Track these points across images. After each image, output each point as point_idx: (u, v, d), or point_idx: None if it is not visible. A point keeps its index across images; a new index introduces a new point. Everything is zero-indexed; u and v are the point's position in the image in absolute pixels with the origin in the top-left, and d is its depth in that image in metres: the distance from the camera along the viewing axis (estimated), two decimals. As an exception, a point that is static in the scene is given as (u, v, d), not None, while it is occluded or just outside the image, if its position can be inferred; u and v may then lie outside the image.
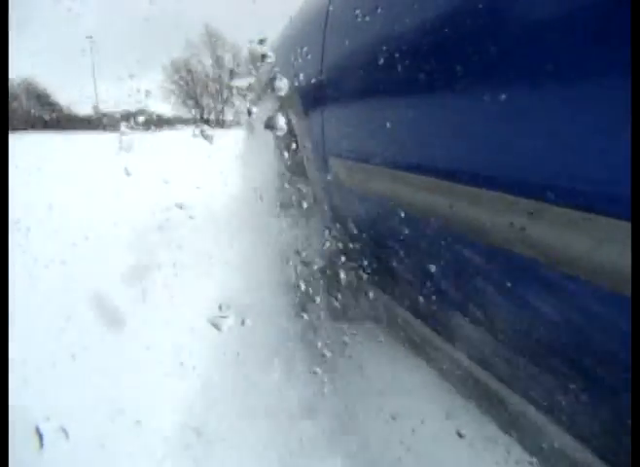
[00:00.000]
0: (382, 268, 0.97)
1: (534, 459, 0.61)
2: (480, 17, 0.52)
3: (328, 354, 1.07)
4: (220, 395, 1.00)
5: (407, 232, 0.77)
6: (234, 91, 1.11)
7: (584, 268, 0.42)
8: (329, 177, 1.08)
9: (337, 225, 1.13)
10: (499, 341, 0.61)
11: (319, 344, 1.10)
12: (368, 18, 0.80)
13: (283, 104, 1.33)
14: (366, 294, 1.06)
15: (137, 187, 2.26)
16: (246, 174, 1.72)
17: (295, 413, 0.94)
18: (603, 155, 0.40)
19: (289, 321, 1.18)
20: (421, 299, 0.77)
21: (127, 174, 1.59)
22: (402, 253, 0.82)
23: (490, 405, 0.70)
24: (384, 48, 0.73)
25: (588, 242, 0.41)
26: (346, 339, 1.13)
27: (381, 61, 0.75)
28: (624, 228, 0.37)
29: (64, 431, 0.81)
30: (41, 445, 0.78)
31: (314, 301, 1.19)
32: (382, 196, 0.84)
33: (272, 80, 0.98)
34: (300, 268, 1.23)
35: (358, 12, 0.84)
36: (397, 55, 0.70)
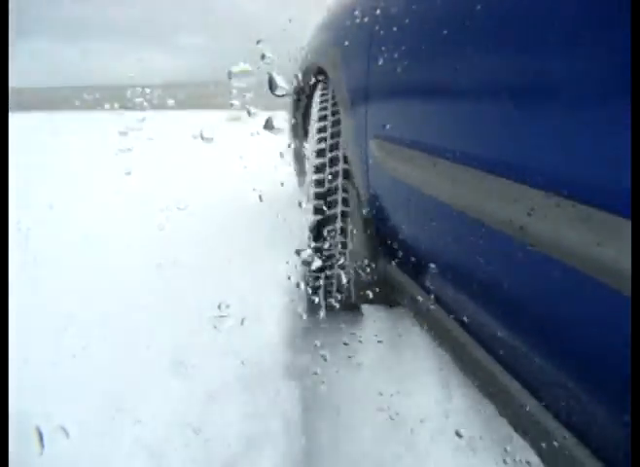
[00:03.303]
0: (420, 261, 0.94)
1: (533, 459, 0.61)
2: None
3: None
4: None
5: (447, 226, 0.75)
6: (235, 92, 1.10)
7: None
8: (370, 160, 1.04)
9: (378, 213, 1.10)
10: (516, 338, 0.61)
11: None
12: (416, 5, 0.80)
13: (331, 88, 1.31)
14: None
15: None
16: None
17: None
18: None
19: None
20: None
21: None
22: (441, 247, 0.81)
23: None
24: (436, 32, 0.73)
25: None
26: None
27: (431, 47, 0.75)
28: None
29: (64, 430, 0.81)
30: (41, 444, 0.78)
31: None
32: (421, 185, 0.82)
33: (271, 79, 0.98)
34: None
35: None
36: (449, 42, 0.69)
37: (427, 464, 0.86)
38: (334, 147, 1.26)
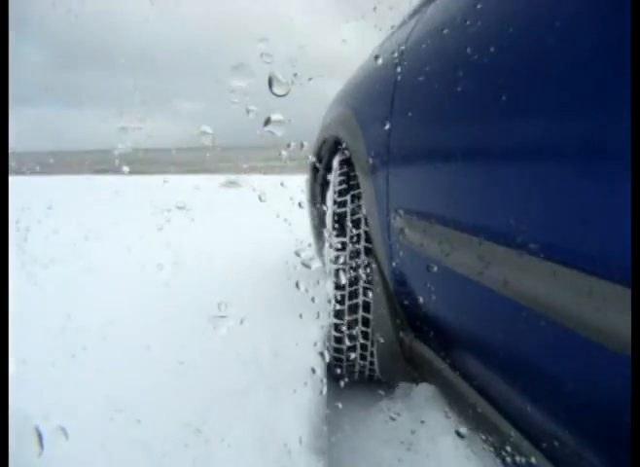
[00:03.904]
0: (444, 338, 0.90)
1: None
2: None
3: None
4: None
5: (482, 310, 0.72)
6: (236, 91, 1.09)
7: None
8: (392, 234, 1.00)
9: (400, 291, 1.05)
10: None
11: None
12: (439, 77, 0.78)
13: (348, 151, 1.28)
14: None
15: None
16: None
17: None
18: None
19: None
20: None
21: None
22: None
23: None
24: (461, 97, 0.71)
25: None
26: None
27: (453, 117, 0.73)
28: None
29: (63, 431, 0.81)
30: (40, 445, 0.78)
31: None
32: (443, 259, 0.78)
33: (270, 80, 0.96)
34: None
35: (429, 67, 0.81)
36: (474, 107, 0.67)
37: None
38: (355, 223, 1.23)
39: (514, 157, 0.60)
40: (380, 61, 1.13)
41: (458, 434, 0.88)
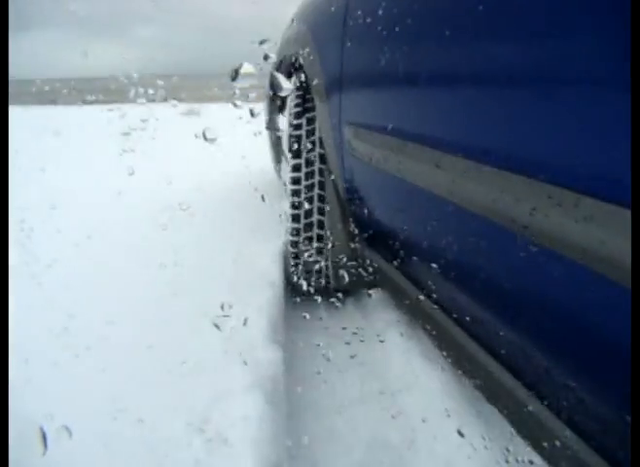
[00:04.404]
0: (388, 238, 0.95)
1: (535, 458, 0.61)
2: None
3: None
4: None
5: (420, 210, 0.76)
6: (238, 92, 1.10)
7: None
8: (344, 146, 1.05)
9: (351, 198, 1.11)
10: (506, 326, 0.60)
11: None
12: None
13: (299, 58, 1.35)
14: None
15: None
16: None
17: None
18: None
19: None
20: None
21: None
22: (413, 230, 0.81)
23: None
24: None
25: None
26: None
27: (404, 29, 0.75)
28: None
29: (67, 430, 0.81)
30: (44, 444, 0.78)
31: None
32: (392, 170, 0.82)
33: (272, 80, 0.99)
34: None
35: None
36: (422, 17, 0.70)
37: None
38: (309, 133, 1.30)
39: (457, 66, 0.62)
40: None
41: (459, 433, 0.88)
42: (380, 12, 0.85)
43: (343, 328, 1.26)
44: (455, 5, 0.62)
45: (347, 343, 1.20)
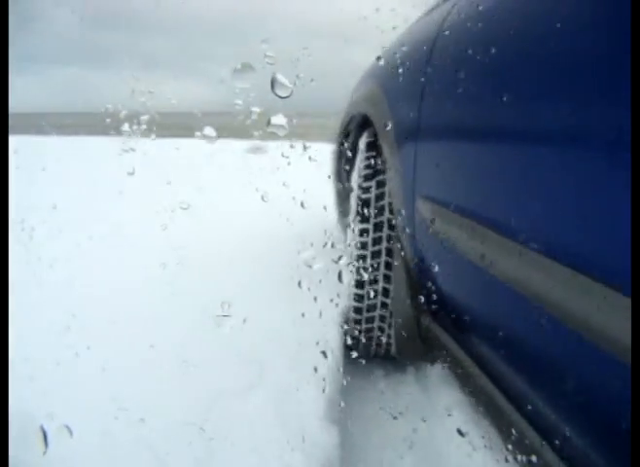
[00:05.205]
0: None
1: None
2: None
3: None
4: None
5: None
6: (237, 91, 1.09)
7: None
8: (416, 219, 0.99)
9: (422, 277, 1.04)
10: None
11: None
12: (478, 64, 0.74)
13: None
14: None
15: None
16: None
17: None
18: None
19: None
20: None
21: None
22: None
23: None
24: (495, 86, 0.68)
25: None
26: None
27: (491, 97, 0.69)
28: None
29: (68, 429, 0.81)
30: (45, 443, 0.78)
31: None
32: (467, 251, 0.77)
33: (273, 81, 0.96)
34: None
35: (467, 52, 0.78)
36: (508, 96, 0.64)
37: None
38: (378, 198, 1.25)
39: (536, 158, 0.58)
40: (413, 41, 1.11)
41: (459, 433, 0.88)
42: (468, 77, 0.76)
43: (405, 407, 1.16)
44: (553, 76, 0.55)
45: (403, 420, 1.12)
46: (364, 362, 1.24)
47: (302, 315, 1.16)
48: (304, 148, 1.07)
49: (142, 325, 1.29)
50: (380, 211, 1.24)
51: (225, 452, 0.88)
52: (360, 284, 1.23)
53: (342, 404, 1.05)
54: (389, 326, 1.24)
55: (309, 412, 0.99)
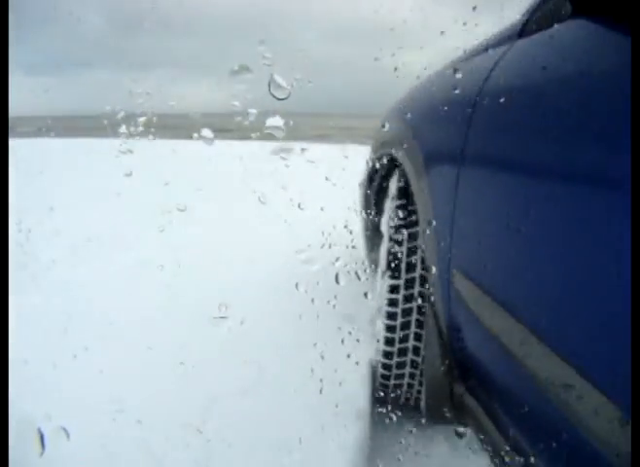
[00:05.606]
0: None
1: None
2: None
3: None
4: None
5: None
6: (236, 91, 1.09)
7: None
8: (451, 291, 0.91)
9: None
10: None
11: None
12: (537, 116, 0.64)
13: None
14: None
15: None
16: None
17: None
18: None
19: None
20: None
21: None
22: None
23: None
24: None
25: None
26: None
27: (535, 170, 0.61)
28: None
29: (65, 431, 0.81)
30: (42, 444, 0.78)
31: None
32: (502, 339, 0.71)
33: (272, 80, 0.93)
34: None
35: (525, 101, 0.68)
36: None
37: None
38: (411, 252, 1.15)
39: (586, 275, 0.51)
40: (457, 83, 0.95)
41: (457, 434, 0.88)
42: (525, 131, 0.65)
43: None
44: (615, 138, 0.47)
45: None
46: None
47: (300, 317, 1.15)
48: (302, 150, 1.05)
49: (139, 326, 1.29)
50: (412, 267, 1.14)
51: (222, 454, 0.88)
52: (389, 341, 1.15)
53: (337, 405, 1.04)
54: (419, 383, 1.15)
55: (306, 413, 0.99)
